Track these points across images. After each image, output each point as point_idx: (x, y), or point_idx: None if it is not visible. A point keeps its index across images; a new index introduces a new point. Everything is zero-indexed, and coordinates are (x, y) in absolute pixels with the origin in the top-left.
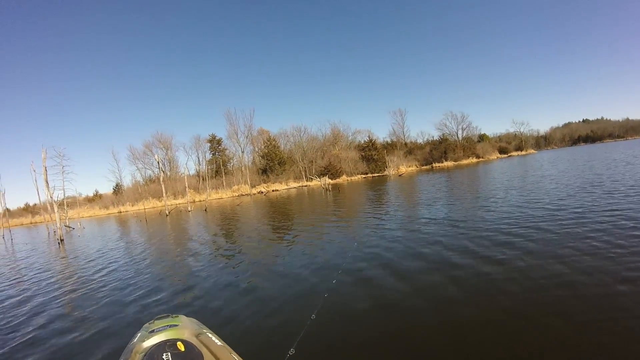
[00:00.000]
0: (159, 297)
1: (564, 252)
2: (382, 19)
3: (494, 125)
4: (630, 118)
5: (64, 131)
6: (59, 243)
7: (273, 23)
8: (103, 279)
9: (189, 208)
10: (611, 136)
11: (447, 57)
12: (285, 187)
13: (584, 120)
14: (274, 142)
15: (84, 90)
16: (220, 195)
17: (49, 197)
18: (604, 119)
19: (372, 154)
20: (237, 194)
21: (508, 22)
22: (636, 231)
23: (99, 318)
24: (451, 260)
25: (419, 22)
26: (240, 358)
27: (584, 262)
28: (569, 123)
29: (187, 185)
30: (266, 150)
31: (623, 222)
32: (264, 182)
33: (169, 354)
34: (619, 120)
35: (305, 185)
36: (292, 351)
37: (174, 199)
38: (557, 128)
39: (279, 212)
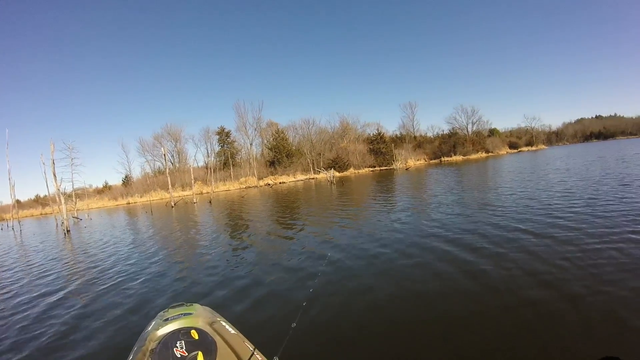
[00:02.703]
0: (170, 285)
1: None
2: (393, 13)
3: (505, 120)
4: None
5: (75, 124)
6: (65, 234)
7: (283, 16)
8: (108, 268)
9: (195, 200)
10: (624, 133)
11: (459, 51)
12: (293, 179)
13: (597, 117)
14: (282, 135)
15: (95, 84)
16: (227, 187)
17: (57, 189)
18: (618, 115)
19: (380, 147)
20: (244, 186)
21: (520, 17)
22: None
23: (110, 307)
24: (455, 255)
25: (430, 18)
26: (253, 346)
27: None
28: (582, 119)
29: (192, 177)
30: (274, 143)
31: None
32: (272, 174)
33: (183, 342)
34: (632, 117)
35: (313, 178)
36: (293, 325)
37: (182, 190)
38: (570, 124)
39: (280, 204)
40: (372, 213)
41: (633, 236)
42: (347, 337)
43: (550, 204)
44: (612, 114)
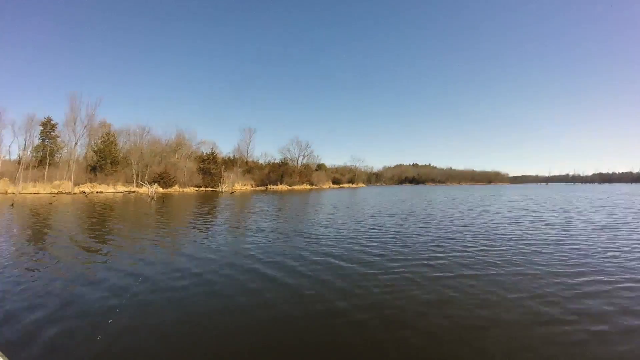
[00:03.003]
0: None
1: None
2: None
3: (334, 157)
4: (452, 167)
5: None
6: None
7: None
8: None
9: None
10: (434, 181)
11: (300, 88)
12: (112, 190)
13: (413, 164)
14: (112, 139)
15: None
16: (37, 190)
17: None
18: (431, 165)
19: (210, 168)
20: (57, 191)
21: (350, 68)
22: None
23: None
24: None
25: (275, 51)
26: None
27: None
28: (400, 165)
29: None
30: (101, 146)
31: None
32: (91, 182)
33: None
34: (442, 168)
35: (134, 191)
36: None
37: None
38: (389, 168)
39: (92, 216)
40: (191, 235)
41: (426, 262)
42: None
43: (360, 235)
44: (427, 164)
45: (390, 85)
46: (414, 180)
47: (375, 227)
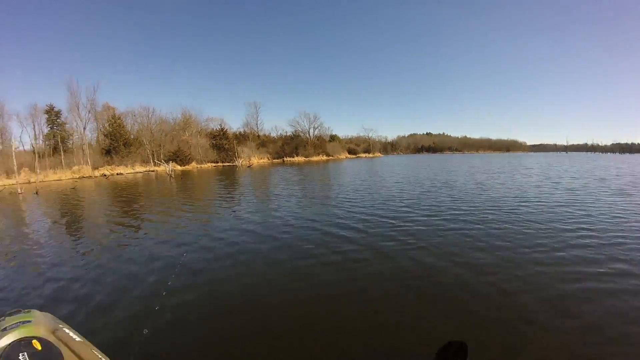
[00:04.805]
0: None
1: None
2: (246, 10)
3: (345, 128)
4: (467, 136)
5: None
6: None
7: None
8: None
9: (20, 190)
10: (450, 149)
11: (306, 62)
12: (131, 171)
13: (427, 133)
14: (119, 121)
15: None
16: (59, 177)
17: None
18: (445, 134)
19: (223, 143)
20: (77, 176)
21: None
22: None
23: None
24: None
25: (279, 21)
26: (102, 353)
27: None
28: (414, 134)
29: (15, 163)
30: (110, 129)
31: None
32: (108, 164)
33: (26, 353)
34: (457, 137)
35: (153, 170)
36: (145, 331)
37: (7, 178)
38: (404, 137)
39: (118, 197)
40: (225, 206)
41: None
42: (205, 343)
43: (396, 199)
44: (441, 133)
45: (397, 57)
46: (430, 149)
47: (399, 192)
